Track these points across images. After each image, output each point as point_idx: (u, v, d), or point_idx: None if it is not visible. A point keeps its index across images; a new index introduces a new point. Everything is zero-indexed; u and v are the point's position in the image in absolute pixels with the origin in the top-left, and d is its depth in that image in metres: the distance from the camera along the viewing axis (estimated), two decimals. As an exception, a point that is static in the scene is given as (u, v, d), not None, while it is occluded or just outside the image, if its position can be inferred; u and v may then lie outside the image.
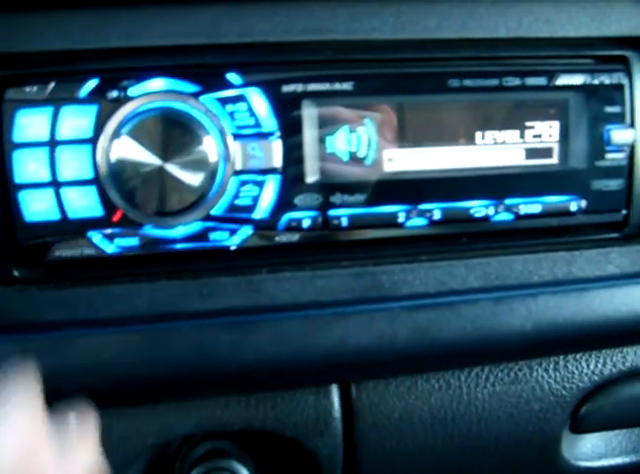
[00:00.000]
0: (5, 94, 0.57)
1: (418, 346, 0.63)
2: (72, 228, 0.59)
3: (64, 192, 0.58)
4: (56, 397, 0.59)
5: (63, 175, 0.58)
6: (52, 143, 0.57)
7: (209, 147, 0.58)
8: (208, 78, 0.59)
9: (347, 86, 0.61)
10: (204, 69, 0.59)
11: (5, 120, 0.57)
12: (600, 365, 0.76)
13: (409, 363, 0.66)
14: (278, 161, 0.60)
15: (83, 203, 0.58)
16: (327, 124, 0.61)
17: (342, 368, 0.64)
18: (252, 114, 0.59)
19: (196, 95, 0.59)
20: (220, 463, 0.75)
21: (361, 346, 0.62)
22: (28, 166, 0.58)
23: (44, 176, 0.58)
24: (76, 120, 0.58)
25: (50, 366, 0.57)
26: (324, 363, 0.63)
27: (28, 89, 0.57)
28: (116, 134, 0.57)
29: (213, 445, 0.78)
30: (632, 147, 0.66)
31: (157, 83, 0.58)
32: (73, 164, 0.58)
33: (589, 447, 0.82)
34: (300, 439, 0.71)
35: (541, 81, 0.64)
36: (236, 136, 0.59)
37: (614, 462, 0.82)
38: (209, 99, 0.59)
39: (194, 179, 0.57)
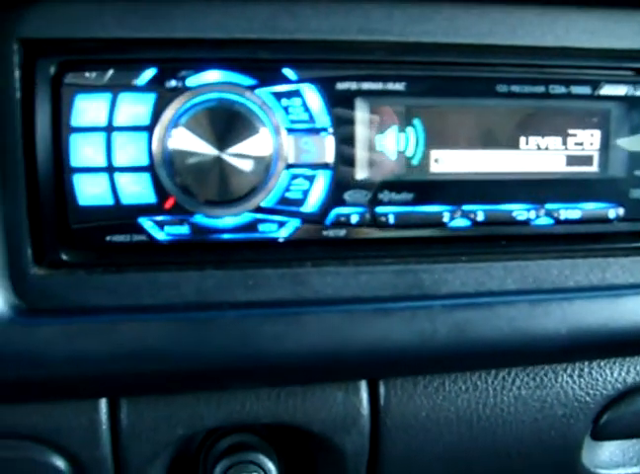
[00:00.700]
0: (64, 78, 0.58)
1: (456, 344, 0.64)
2: (124, 214, 0.60)
3: (118, 177, 0.59)
4: (98, 382, 0.60)
5: (118, 160, 0.59)
6: (109, 129, 0.58)
7: (264, 140, 0.59)
8: (265, 72, 0.60)
9: (399, 86, 0.62)
10: (261, 63, 0.60)
11: (64, 105, 0.58)
12: (623, 373, 0.77)
13: (445, 362, 0.67)
14: (329, 156, 0.61)
15: (136, 190, 0.59)
16: (378, 123, 0.62)
17: (379, 363, 0.65)
18: (306, 109, 0.60)
19: (252, 88, 0.60)
20: (246, 456, 0.75)
21: (401, 342, 0.63)
22: (84, 150, 0.58)
23: (100, 161, 0.59)
24: (134, 108, 0.58)
25: (95, 351, 0.58)
26: (363, 358, 0.63)
27: (87, 74, 0.58)
28: (172, 123, 0.58)
29: (238, 439, 0.78)
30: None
31: (214, 75, 0.59)
32: (129, 150, 0.59)
33: (607, 455, 0.83)
34: (327, 435, 0.72)
35: (585, 90, 0.65)
36: (290, 130, 0.60)
37: (632, 471, 0.83)
38: (265, 92, 0.60)
39: (247, 171, 0.58)
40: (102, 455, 0.68)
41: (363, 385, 0.72)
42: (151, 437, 0.69)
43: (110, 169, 0.59)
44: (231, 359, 0.62)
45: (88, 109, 0.58)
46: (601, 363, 0.76)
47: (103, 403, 0.68)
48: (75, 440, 0.68)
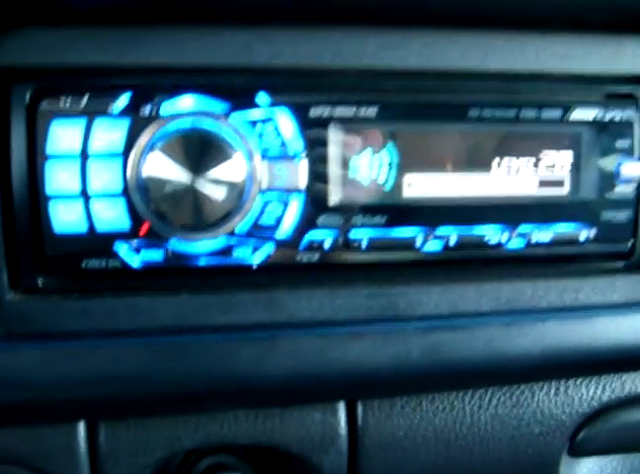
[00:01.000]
0: (40, 105, 0.59)
1: (430, 366, 0.64)
2: (99, 240, 0.60)
3: (93, 204, 0.59)
4: (76, 406, 0.60)
5: (93, 187, 0.59)
6: (84, 155, 0.59)
7: (237, 166, 0.59)
8: (238, 98, 0.61)
9: (372, 112, 0.63)
10: (235, 89, 0.61)
11: (39, 131, 0.58)
12: (599, 391, 0.78)
13: (420, 383, 0.68)
14: (302, 182, 0.62)
15: (111, 216, 0.60)
16: (351, 148, 0.63)
17: (355, 385, 0.66)
18: (279, 135, 0.61)
19: (225, 114, 0.60)
20: (225, 477, 0.76)
21: (376, 364, 0.63)
22: (59, 177, 0.59)
23: (75, 187, 0.59)
24: (108, 134, 0.59)
25: (72, 375, 0.59)
26: (339, 380, 0.64)
27: (62, 101, 0.59)
28: (147, 150, 0.58)
29: (217, 460, 0.79)
30: (640, 181, 0.68)
31: (188, 101, 0.60)
32: (103, 177, 0.59)
33: (584, 472, 0.84)
34: (306, 455, 0.72)
35: (556, 114, 0.66)
36: (263, 156, 0.61)
37: None
38: (239, 119, 0.61)
39: (221, 196, 0.59)
40: None
41: (341, 405, 0.72)
42: (130, 460, 0.69)
43: (85, 196, 0.59)
44: (208, 383, 0.62)
45: (63, 135, 0.59)
46: (577, 382, 0.77)
47: (81, 426, 0.68)
48: (53, 463, 0.68)
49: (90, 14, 0.58)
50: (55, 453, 0.68)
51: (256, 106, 0.61)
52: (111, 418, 0.68)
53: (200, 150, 0.58)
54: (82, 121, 0.59)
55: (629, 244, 0.70)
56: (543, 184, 0.67)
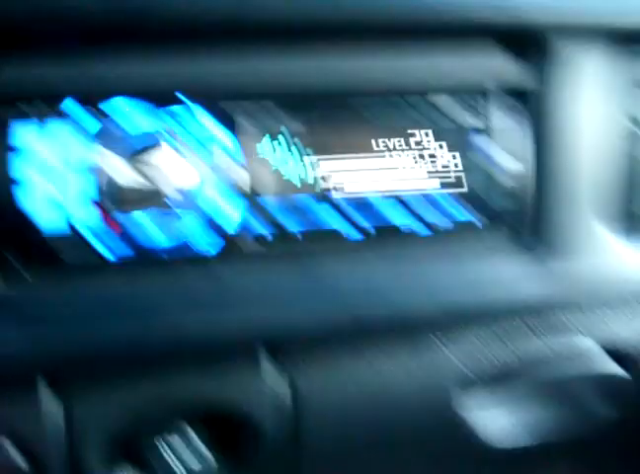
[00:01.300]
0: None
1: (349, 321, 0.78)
2: (78, 240, 0.72)
3: (73, 209, 0.71)
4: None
5: (72, 195, 0.71)
6: (60, 164, 0.70)
7: (186, 169, 0.72)
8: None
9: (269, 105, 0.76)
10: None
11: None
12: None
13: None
14: (245, 185, 0.75)
15: (87, 218, 0.71)
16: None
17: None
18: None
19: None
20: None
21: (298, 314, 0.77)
22: (40, 185, 0.70)
23: (54, 194, 0.70)
24: (80, 145, 0.71)
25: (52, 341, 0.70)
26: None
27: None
28: (117, 158, 0.71)
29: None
30: (524, 176, 0.83)
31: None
32: (80, 185, 0.71)
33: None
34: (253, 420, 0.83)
35: (448, 123, 0.80)
36: (207, 159, 0.74)
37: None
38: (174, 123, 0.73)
39: (178, 197, 0.71)
40: None
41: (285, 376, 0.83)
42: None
43: (65, 202, 0.71)
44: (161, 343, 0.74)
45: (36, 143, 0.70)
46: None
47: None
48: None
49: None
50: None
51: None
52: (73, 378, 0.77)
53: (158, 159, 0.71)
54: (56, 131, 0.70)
55: (518, 229, 0.85)
56: (444, 185, 0.81)
